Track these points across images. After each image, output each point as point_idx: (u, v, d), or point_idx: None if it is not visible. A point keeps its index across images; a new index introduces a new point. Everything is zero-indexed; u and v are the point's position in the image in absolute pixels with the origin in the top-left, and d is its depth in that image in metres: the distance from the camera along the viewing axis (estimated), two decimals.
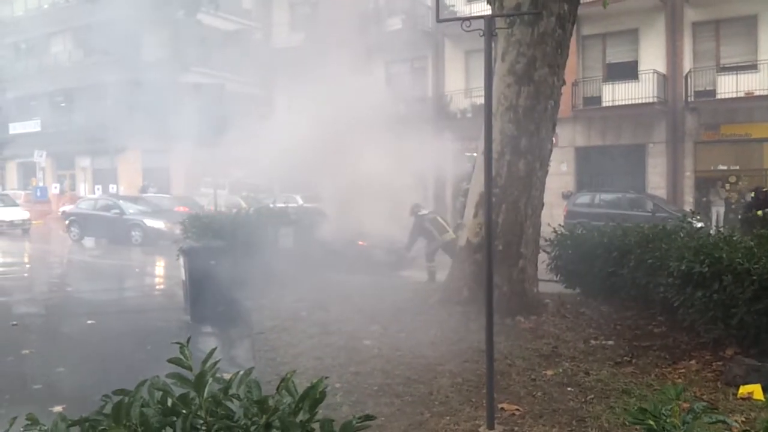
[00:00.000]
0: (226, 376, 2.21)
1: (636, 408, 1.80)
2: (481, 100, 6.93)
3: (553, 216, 16.66)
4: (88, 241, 23.29)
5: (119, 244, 21.36)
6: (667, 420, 1.70)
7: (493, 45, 4.78)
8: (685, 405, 1.97)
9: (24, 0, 39.11)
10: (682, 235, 8.06)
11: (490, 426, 4.60)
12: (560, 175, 23.72)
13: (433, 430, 4.70)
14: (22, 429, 1.91)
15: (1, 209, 27.53)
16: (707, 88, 22.58)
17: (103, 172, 36.98)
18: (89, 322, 9.63)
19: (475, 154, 8.88)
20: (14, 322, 9.72)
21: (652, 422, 1.70)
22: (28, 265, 18.82)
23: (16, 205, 28.99)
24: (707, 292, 6.38)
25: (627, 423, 4.67)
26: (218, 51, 29.87)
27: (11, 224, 26.84)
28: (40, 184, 35.80)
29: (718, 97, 22.28)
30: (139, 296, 12.85)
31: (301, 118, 13.99)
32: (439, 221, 12.65)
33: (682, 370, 6.03)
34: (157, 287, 13.97)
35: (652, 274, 7.49)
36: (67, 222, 24.20)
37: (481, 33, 4.06)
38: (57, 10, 36.49)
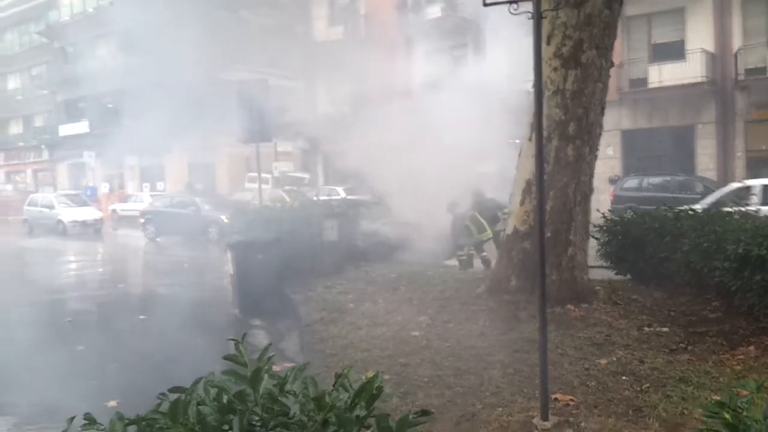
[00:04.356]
0: (276, 369, 2.19)
1: (709, 400, 1.71)
2: (523, 86, 6.81)
3: (600, 201, 16.36)
4: (166, 240, 22.86)
5: (196, 241, 21.16)
6: (746, 414, 1.61)
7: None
8: (744, 393, 1.86)
9: (70, 5, 39.94)
10: (737, 217, 7.82)
11: (544, 417, 4.51)
12: (606, 159, 23.28)
13: (486, 422, 4.63)
14: (80, 428, 1.92)
15: (74, 209, 27.66)
16: (758, 66, 21.88)
17: (150, 169, 37.66)
18: (141, 317, 9.82)
19: (518, 141, 8.72)
20: (68, 319, 9.98)
21: (728, 416, 1.60)
22: (103, 264, 19.27)
23: (87, 204, 29.27)
24: (766, 275, 6.19)
25: (687, 412, 4.54)
26: (260, 46, 30.12)
27: (84, 224, 26.85)
28: (90, 184, 36.62)
29: None
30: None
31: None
32: (479, 219, 12.54)
33: (741, 357, 5.83)
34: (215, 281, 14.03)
35: (707, 258, 7.28)
36: (142, 220, 24.06)
37: (530, 16, 3.96)
38: (101, 13, 37.18)
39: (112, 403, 5.18)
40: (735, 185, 16.16)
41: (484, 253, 12.35)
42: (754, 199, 14.53)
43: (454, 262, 12.71)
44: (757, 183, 15.60)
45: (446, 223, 12.70)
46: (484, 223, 12.50)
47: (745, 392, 1.82)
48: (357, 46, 27.15)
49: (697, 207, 14.35)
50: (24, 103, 45.76)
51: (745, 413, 1.65)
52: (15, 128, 48.45)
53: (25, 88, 46.37)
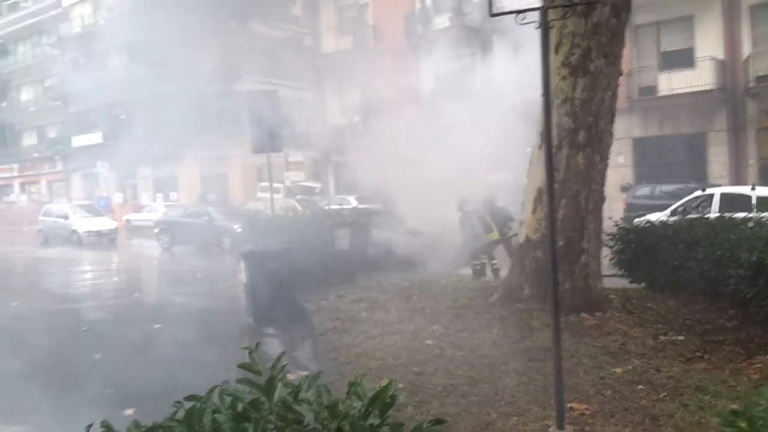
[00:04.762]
0: (291, 377, 2.20)
1: (726, 408, 1.70)
2: (533, 95, 6.80)
3: (612, 210, 16.32)
4: (180, 249, 22.95)
5: (209, 251, 21.33)
6: (762, 423, 1.60)
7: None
8: (761, 402, 1.85)
9: (81, 18, 40.33)
10: (751, 225, 7.78)
11: (560, 426, 4.49)
12: (618, 167, 23.18)
13: (501, 431, 4.62)
14: None
15: (88, 219, 27.93)
16: None
17: (163, 180, 37.86)
18: (156, 326, 9.87)
19: (528, 150, 8.72)
20: (85, 328, 10.07)
21: (744, 425, 1.60)
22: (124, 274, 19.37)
23: (101, 214, 29.52)
24: None
25: (704, 421, 4.50)
26: (270, 58, 30.28)
27: (98, 234, 27.10)
28: (104, 194, 36.86)
29: None
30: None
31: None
32: (487, 219, 12.55)
33: (758, 365, 5.78)
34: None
35: (721, 266, 7.24)
36: (156, 230, 24.26)
37: (537, 25, 3.97)
38: (112, 25, 37.50)
39: (129, 412, 5.20)
40: (697, 193, 16.52)
41: (495, 261, 12.34)
42: (714, 206, 14.98)
43: (466, 270, 12.69)
44: (716, 191, 16.11)
45: (456, 222, 12.69)
46: (492, 224, 12.50)
47: (762, 402, 1.81)
48: (366, 57, 27.25)
49: (663, 215, 14.60)
50: (37, 115, 46.17)
51: (761, 422, 1.65)
52: (29, 139, 48.87)
53: (38, 99, 46.79)
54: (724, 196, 15.43)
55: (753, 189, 15.53)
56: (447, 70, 25.32)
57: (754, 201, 14.38)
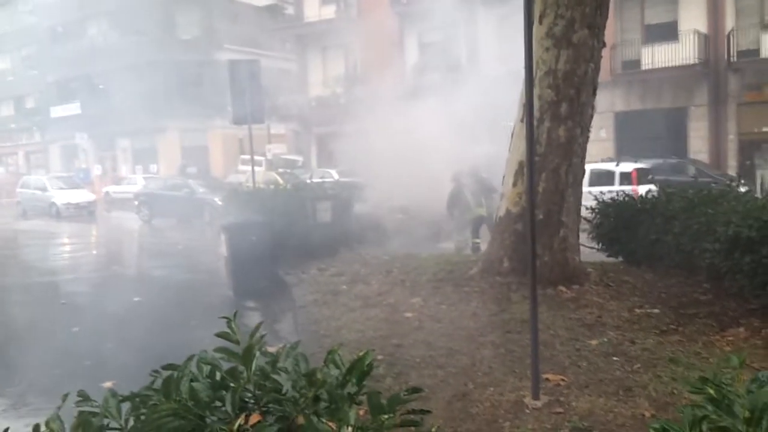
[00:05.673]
0: (271, 350, 2.21)
1: (696, 377, 1.74)
2: (516, 66, 6.79)
3: None
4: (161, 222, 22.68)
5: (190, 223, 21.19)
6: (729, 389, 1.64)
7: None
8: (730, 369, 1.90)
9: None
10: (728, 199, 7.86)
11: (535, 396, 4.57)
12: (599, 141, 23.21)
13: (478, 401, 4.68)
14: (74, 405, 1.93)
15: (67, 192, 27.66)
16: (750, 48, 21.84)
17: (143, 151, 37.46)
18: (136, 299, 9.83)
19: (511, 123, 8.71)
20: (63, 301, 10.01)
21: (712, 391, 1.64)
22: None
23: (80, 187, 29.28)
24: (756, 256, 6.23)
25: (677, 392, 4.60)
26: (251, 27, 29.90)
27: (77, 207, 26.89)
28: (83, 166, 36.44)
29: (763, 56, 21.54)
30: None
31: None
32: (478, 193, 12.58)
33: (731, 338, 5.90)
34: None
35: (697, 240, 7.33)
36: (136, 202, 24.02)
37: None
38: None
39: (108, 384, 5.21)
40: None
41: (478, 240, 12.38)
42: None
43: (448, 244, 12.74)
44: (587, 167, 17.05)
45: (443, 196, 12.68)
46: (482, 198, 12.55)
47: (730, 369, 1.85)
48: (349, 26, 26.99)
49: None
50: (15, 85, 45.37)
51: (729, 388, 1.69)
52: (6, 110, 48.08)
53: (15, 69, 45.96)
54: (593, 172, 16.33)
55: (617, 165, 17.45)
56: (432, 40, 25.15)
57: (617, 177, 16.38)
